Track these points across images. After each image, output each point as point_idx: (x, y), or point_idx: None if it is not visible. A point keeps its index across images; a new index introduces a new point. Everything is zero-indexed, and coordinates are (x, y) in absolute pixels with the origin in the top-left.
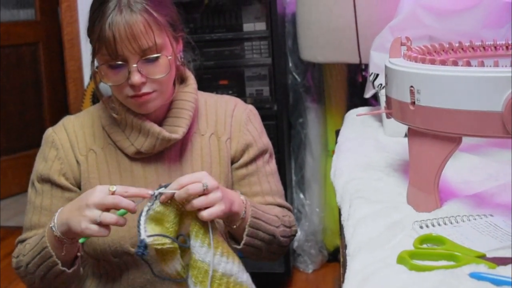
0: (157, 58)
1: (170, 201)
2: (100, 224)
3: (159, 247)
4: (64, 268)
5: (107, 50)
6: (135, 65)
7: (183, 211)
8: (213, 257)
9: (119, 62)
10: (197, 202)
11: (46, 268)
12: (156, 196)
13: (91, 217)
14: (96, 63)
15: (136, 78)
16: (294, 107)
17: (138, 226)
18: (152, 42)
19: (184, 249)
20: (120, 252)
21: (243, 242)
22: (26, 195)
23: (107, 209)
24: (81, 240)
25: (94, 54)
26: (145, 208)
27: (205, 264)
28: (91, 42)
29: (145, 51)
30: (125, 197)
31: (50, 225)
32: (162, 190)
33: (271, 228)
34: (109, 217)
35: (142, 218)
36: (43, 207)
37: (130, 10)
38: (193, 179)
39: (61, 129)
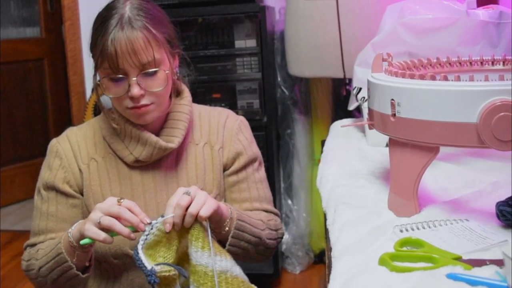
0: (155, 72)
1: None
2: (100, 227)
3: (166, 274)
4: (78, 272)
5: (109, 64)
6: (134, 79)
7: (176, 234)
8: (214, 257)
9: (120, 76)
10: (192, 208)
11: (60, 272)
12: (152, 227)
13: (93, 219)
14: (98, 77)
15: (135, 90)
16: (283, 119)
17: (139, 259)
18: (151, 57)
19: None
20: (120, 254)
21: (228, 243)
22: (32, 201)
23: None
24: (82, 242)
25: (97, 68)
26: (140, 242)
27: (202, 266)
28: (93, 57)
29: (144, 65)
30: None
31: (68, 231)
32: (160, 219)
33: (256, 231)
34: (107, 220)
35: (140, 251)
36: (49, 213)
37: (131, 27)
38: (177, 196)
39: (65, 139)
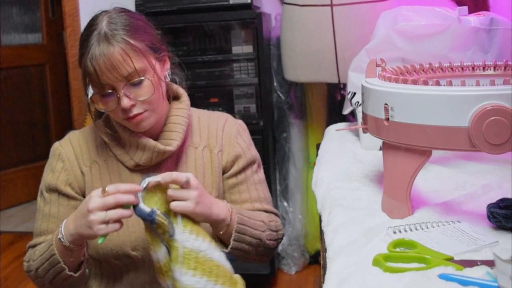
0: (140, 81)
1: (155, 189)
2: (108, 222)
3: (162, 221)
4: (71, 273)
5: (92, 82)
6: (122, 91)
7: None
8: (182, 234)
9: (108, 91)
10: (171, 191)
11: (55, 272)
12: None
13: (99, 220)
14: (91, 91)
15: (125, 102)
16: (279, 123)
17: (137, 205)
18: (131, 69)
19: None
20: (121, 255)
21: (230, 246)
22: (34, 203)
23: (109, 209)
24: (100, 241)
25: (86, 85)
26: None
27: (175, 241)
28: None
29: (127, 77)
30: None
31: (58, 237)
32: (150, 178)
33: (257, 233)
34: (114, 213)
35: (140, 197)
36: (51, 215)
37: (107, 43)
38: (179, 174)
39: (67, 143)
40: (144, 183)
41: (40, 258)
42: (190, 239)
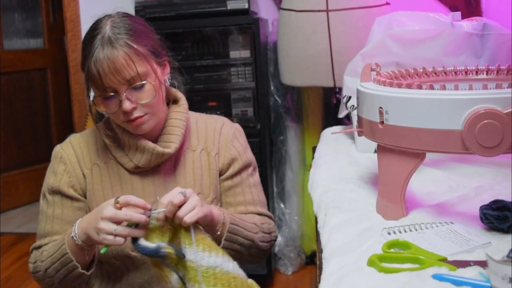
0: (142, 85)
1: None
2: (116, 235)
3: (169, 251)
4: (83, 271)
5: (95, 85)
6: (124, 94)
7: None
8: (196, 253)
9: (110, 94)
10: (180, 212)
11: (67, 271)
12: (150, 215)
13: (107, 230)
14: (93, 93)
15: (126, 105)
16: (275, 126)
17: (138, 245)
18: (134, 72)
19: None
20: (122, 255)
21: (221, 245)
22: (35, 205)
23: (119, 222)
24: (102, 251)
25: (88, 88)
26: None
27: (190, 261)
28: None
29: (130, 80)
30: (127, 206)
31: (71, 235)
32: (154, 212)
33: (249, 234)
34: (123, 230)
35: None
36: (55, 216)
37: (111, 47)
38: (172, 194)
39: (68, 145)
40: (153, 213)
41: (50, 258)
42: (204, 257)
